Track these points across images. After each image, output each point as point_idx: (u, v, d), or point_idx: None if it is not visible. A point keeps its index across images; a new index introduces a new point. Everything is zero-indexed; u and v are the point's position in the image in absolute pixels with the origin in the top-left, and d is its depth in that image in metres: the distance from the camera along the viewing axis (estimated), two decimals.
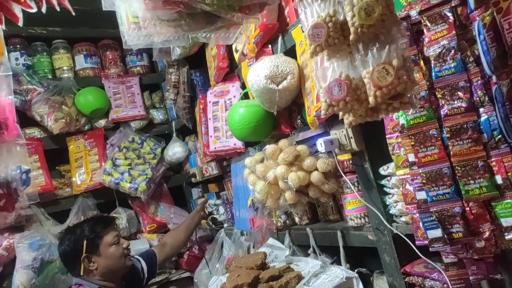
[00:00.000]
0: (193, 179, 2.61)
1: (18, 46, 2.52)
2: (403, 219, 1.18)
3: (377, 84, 0.81)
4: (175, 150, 2.70)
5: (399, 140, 1.12)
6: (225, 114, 1.90)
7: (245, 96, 1.80)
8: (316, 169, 1.38)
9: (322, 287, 1.27)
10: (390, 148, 1.16)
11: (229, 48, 1.89)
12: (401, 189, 1.13)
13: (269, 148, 1.46)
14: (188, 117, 2.44)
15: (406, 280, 1.19)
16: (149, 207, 2.72)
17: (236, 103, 1.72)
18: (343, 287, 1.28)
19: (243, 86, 1.84)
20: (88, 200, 2.51)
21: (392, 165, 1.19)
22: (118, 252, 1.59)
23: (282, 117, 1.61)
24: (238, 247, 2.11)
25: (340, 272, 1.31)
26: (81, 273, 1.53)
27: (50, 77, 2.60)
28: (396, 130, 1.13)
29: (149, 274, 1.84)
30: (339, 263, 1.43)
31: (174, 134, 2.80)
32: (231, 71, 1.96)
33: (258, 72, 1.42)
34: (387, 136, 1.17)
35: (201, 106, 2.16)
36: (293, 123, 1.61)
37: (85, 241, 1.54)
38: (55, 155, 2.54)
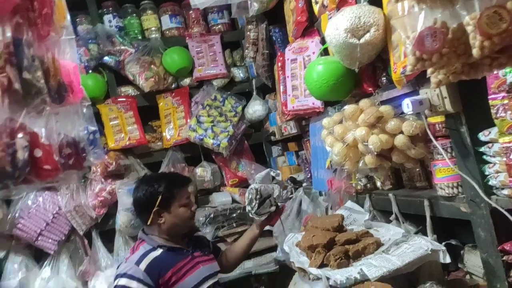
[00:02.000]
0: (272, 137, 2.60)
1: (110, 8, 2.67)
2: (505, 192, 1.01)
3: (486, 32, 0.65)
4: (255, 108, 2.71)
5: (505, 101, 0.94)
6: (303, 72, 1.81)
7: (325, 52, 1.67)
8: (401, 132, 1.25)
9: (403, 256, 1.18)
10: (493, 111, 0.98)
11: (308, 0, 1.75)
12: (504, 158, 0.96)
13: (349, 108, 1.35)
14: (267, 75, 2.39)
15: (504, 258, 1.04)
16: (231, 163, 2.81)
17: (314, 60, 1.61)
18: (427, 259, 1.18)
19: (323, 41, 1.71)
20: (177, 153, 2.69)
21: (495, 130, 1.01)
22: (187, 214, 1.60)
23: (364, 75, 1.47)
24: (316, 207, 2.09)
25: (425, 243, 1.21)
26: (148, 223, 1.58)
27: (139, 38, 2.73)
28: (502, 89, 0.95)
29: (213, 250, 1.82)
30: (424, 234, 1.31)
31: (254, 92, 2.79)
32: (311, 26, 1.83)
33: (337, 25, 1.28)
34: (489, 97, 0.99)
35: (279, 64, 2.09)
36: (376, 81, 1.46)
37: (160, 197, 1.56)
38: (147, 111, 2.73)
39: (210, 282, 1.61)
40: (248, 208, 1.73)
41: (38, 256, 2.35)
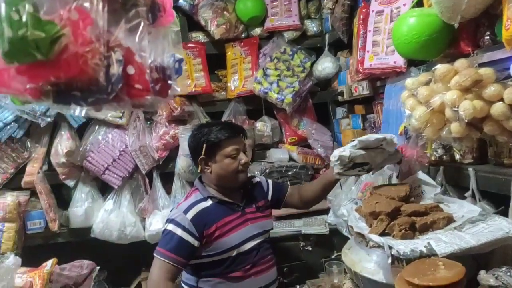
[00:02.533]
0: (339, 98, 2.49)
1: None
2: None
3: None
4: (325, 65, 2.58)
5: None
6: (388, 26, 1.65)
7: (418, 4, 1.50)
8: (502, 99, 1.10)
9: (479, 235, 1.09)
10: None
11: None
12: None
13: (442, 68, 1.21)
14: (345, 29, 2.24)
15: None
16: (292, 120, 2.76)
17: (407, 12, 1.45)
18: (505, 242, 1.08)
19: None
20: (239, 105, 2.68)
21: None
22: (232, 166, 1.54)
23: (464, 31, 1.29)
24: (378, 174, 1.99)
25: (506, 224, 1.10)
26: (199, 170, 1.59)
27: None
28: None
29: (273, 200, 1.76)
30: (505, 215, 1.19)
31: (326, 48, 2.65)
32: None
33: None
34: None
35: (361, 16, 1.93)
36: (477, 40, 1.28)
37: (205, 145, 1.53)
38: (214, 59, 2.71)
39: (257, 240, 1.59)
40: (333, 163, 1.52)
41: (103, 189, 2.53)
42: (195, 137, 1.58)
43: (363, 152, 1.47)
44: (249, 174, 1.86)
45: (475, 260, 1.13)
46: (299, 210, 2.51)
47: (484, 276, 0.97)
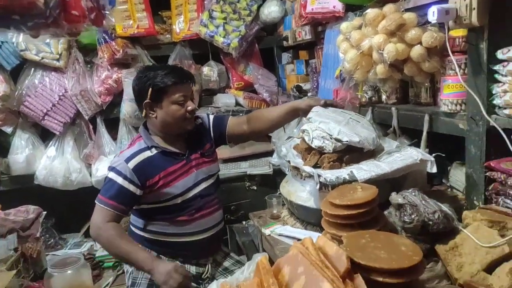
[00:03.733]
0: (284, 43, 2.54)
1: None
2: (506, 111, 1.04)
3: None
4: (271, 9, 2.59)
5: None
6: None
7: None
8: (420, 43, 1.22)
9: (392, 163, 1.26)
10: None
11: None
12: None
13: (371, 12, 1.30)
14: None
15: (487, 174, 1.11)
16: (239, 65, 2.79)
17: None
18: (414, 168, 1.26)
19: None
20: (185, 49, 2.64)
21: None
22: (179, 113, 1.49)
23: None
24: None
25: (415, 153, 1.27)
26: (143, 115, 1.54)
27: None
28: None
29: (216, 137, 1.71)
30: (417, 146, 1.37)
31: None
32: None
33: None
34: None
35: None
36: None
37: (150, 89, 1.47)
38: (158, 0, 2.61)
39: (203, 186, 1.58)
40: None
41: (44, 135, 2.45)
42: (140, 79, 1.50)
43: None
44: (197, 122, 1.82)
45: (390, 184, 1.31)
46: (244, 152, 2.64)
47: (394, 197, 1.13)
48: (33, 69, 2.34)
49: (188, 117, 1.53)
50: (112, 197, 1.44)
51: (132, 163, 1.47)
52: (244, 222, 2.49)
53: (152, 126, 1.57)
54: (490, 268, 0.89)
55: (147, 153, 1.51)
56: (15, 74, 2.33)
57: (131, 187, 1.45)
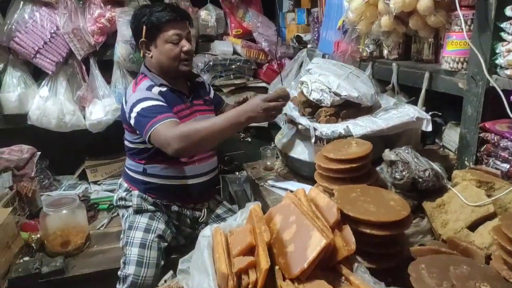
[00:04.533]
0: None
1: None
2: (507, 72, 1.02)
3: None
4: None
5: None
6: None
7: None
8: None
9: (388, 120, 1.26)
10: None
11: None
12: None
13: None
14: None
15: (480, 135, 1.12)
16: (238, 11, 2.68)
17: None
18: (410, 126, 1.26)
19: None
20: None
21: None
22: (173, 53, 1.48)
23: None
24: None
25: (412, 111, 1.27)
26: (141, 55, 1.54)
27: None
28: None
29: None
30: (415, 104, 1.37)
31: None
32: None
33: None
34: None
35: None
36: None
37: (145, 26, 1.47)
38: None
39: None
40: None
41: (37, 74, 2.38)
42: (136, 17, 1.50)
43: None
44: (194, 71, 1.85)
45: (384, 142, 1.32)
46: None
47: (387, 153, 1.14)
48: (22, 2, 2.23)
49: (183, 57, 1.52)
50: (162, 112, 1.38)
51: (154, 92, 1.47)
52: (237, 173, 2.53)
53: (151, 67, 1.56)
54: (473, 226, 0.92)
55: (158, 89, 1.50)
56: (3, 7, 2.22)
57: (165, 105, 1.44)
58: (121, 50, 2.33)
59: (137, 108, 1.41)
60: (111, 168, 2.55)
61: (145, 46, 1.51)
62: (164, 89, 1.52)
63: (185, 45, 1.49)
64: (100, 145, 2.51)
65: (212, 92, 1.81)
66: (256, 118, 1.32)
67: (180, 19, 1.48)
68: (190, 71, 1.62)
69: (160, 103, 1.43)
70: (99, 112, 2.37)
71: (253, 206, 0.94)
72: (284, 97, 1.36)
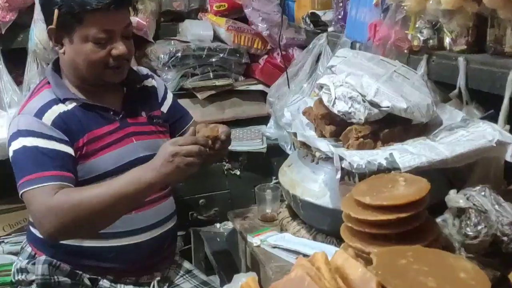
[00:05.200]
0: None
1: None
2: None
3: None
4: None
5: None
6: None
7: None
8: None
9: (454, 145, 1.28)
10: None
11: None
12: None
13: None
14: None
15: None
16: None
17: None
18: (487, 153, 1.29)
19: None
20: None
21: None
22: (95, 57, 1.50)
23: None
24: None
25: (491, 131, 1.30)
26: (51, 46, 1.59)
27: None
28: None
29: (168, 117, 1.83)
30: (494, 121, 1.40)
31: None
32: None
33: None
34: None
35: None
36: None
37: (57, 10, 1.47)
38: None
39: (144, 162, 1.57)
40: None
41: None
42: None
43: None
44: (143, 71, 1.84)
45: (448, 178, 1.34)
46: (224, 116, 2.66)
47: (453, 196, 1.16)
48: None
49: (112, 64, 1.54)
50: (43, 166, 1.44)
51: (46, 118, 1.50)
52: (218, 225, 2.53)
53: (65, 66, 1.60)
54: None
55: (62, 107, 1.54)
56: None
57: (59, 146, 1.48)
58: (39, 34, 2.36)
59: (13, 146, 1.47)
60: (17, 217, 2.52)
61: (54, 37, 1.53)
62: (70, 106, 1.55)
63: (118, 48, 1.52)
64: (3, 182, 2.50)
65: (168, 102, 1.84)
66: (168, 173, 1.40)
67: (116, 7, 1.48)
68: (123, 79, 1.64)
69: (48, 146, 1.46)
70: (3, 128, 2.38)
71: (246, 280, 0.94)
72: (214, 140, 1.47)
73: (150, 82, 1.80)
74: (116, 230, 1.57)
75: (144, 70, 1.87)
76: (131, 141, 1.62)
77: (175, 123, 1.84)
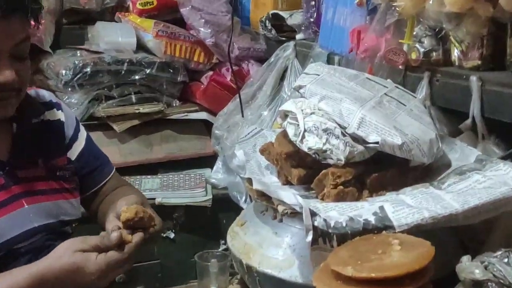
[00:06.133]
0: None
1: None
2: None
3: None
4: None
5: None
6: None
7: None
8: None
9: (467, 195, 1.30)
10: None
11: None
12: None
13: None
14: None
15: None
16: None
17: None
18: (510, 205, 1.31)
19: None
20: None
21: None
22: None
23: None
24: None
25: None
26: None
27: None
28: None
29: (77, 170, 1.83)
30: None
31: None
32: None
33: None
34: None
35: None
36: None
37: None
38: None
39: (40, 236, 1.65)
40: None
41: None
42: None
43: None
44: (44, 97, 1.83)
45: (459, 240, 1.36)
46: (153, 156, 2.65)
47: (466, 266, 1.17)
48: None
49: None
50: None
51: None
52: None
53: None
54: None
55: None
56: None
57: None
58: None
59: None
60: None
61: None
62: None
63: (5, 73, 1.50)
64: None
65: (80, 144, 1.85)
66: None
67: (3, 13, 1.45)
68: (8, 115, 1.61)
69: None
70: None
71: None
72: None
73: (53, 115, 1.79)
74: None
75: (47, 95, 1.86)
76: (21, 205, 1.61)
77: (88, 176, 1.84)
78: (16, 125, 1.67)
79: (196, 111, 2.80)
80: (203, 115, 2.79)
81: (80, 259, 1.43)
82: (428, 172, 1.50)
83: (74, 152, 1.81)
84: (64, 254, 1.43)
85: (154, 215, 1.63)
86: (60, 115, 1.80)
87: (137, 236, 1.50)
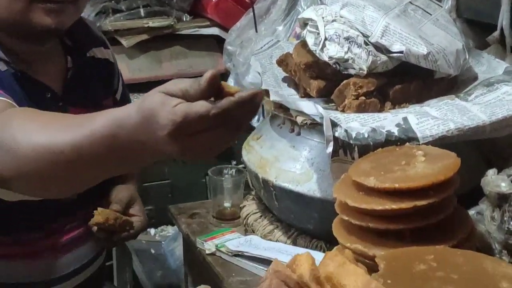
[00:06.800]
0: None
1: None
2: None
3: None
4: None
5: None
6: None
7: None
8: None
9: (494, 107, 1.30)
10: None
11: None
12: None
13: None
14: None
15: None
16: None
17: None
18: None
19: None
20: None
21: None
22: None
23: None
24: None
25: None
26: None
27: None
28: None
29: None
30: None
31: None
32: None
33: None
34: None
35: None
36: None
37: None
38: None
39: None
40: None
41: None
42: None
43: None
44: (94, 31, 1.83)
45: (484, 153, 1.36)
46: (162, 73, 2.64)
47: (492, 179, 1.17)
48: None
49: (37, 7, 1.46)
50: None
51: None
52: (153, 231, 2.52)
53: None
54: None
55: None
56: None
57: None
58: None
59: None
60: None
61: None
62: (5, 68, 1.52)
63: None
64: None
65: (121, 85, 1.88)
66: (160, 149, 1.00)
67: None
68: (65, 28, 1.57)
69: None
70: None
71: None
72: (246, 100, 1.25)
73: (103, 53, 1.78)
74: (28, 280, 1.62)
75: (96, 30, 1.86)
76: None
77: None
78: (70, 57, 1.67)
79: (207, 26, 2.77)
80: (214, 31, 2.76)
81: (157, 101, 1.00)
82: (453, 84, 1.49)
83: (119, 93, 1.85)
84: (149, 94, 1.07)
85: (140, 214, 1.76)
86: (108, 54, 1.81)
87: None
